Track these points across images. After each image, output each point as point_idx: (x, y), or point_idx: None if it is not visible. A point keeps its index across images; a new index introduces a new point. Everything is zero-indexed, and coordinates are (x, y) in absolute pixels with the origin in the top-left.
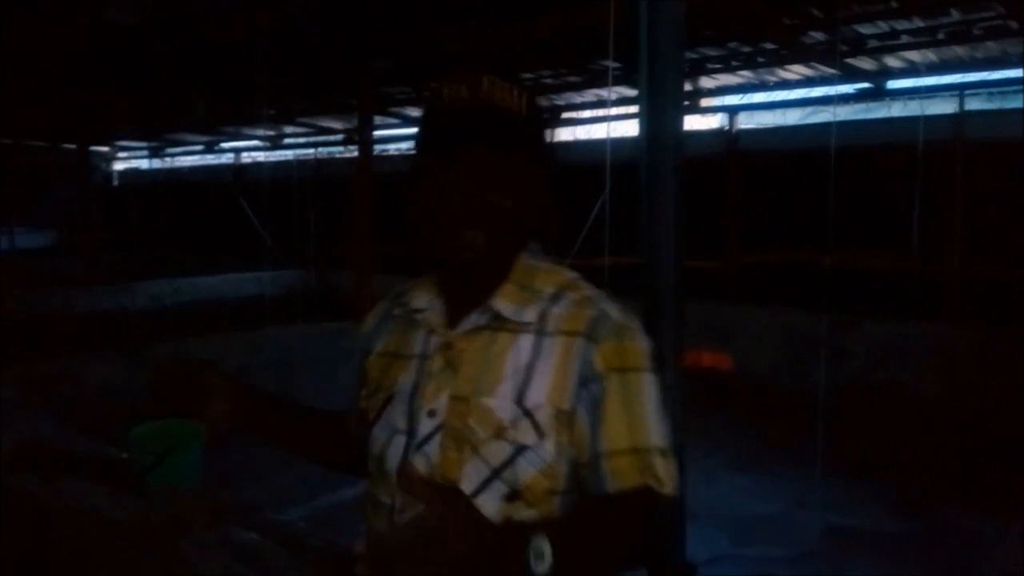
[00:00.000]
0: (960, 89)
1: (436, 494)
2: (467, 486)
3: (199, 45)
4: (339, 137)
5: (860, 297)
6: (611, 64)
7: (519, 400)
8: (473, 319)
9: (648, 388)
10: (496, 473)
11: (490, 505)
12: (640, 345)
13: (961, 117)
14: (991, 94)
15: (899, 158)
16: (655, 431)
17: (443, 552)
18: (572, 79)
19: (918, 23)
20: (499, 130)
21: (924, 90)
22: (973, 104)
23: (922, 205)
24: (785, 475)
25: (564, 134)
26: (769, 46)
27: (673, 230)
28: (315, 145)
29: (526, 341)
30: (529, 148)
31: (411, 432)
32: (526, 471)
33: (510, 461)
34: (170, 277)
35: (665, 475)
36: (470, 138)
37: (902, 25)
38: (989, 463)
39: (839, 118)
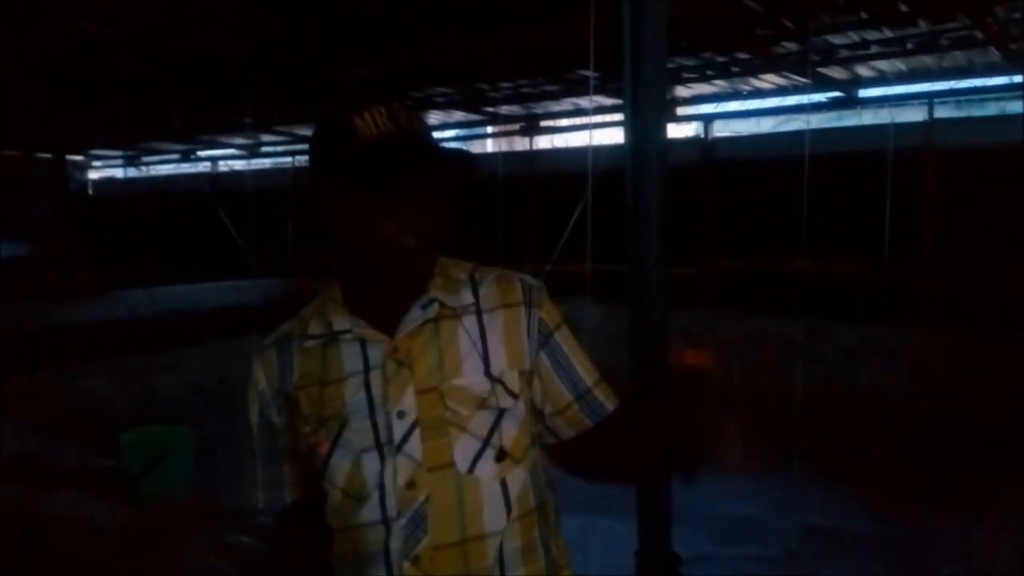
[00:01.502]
0: (929, 97)
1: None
2: (462, 464)
3: (176, 54)
4: None
5: (834, 302)
6: (591, 74)
7: (486, 372)
8: (416, 315)
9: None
10: (486, 441)
11: (486, 472)
12: (553, 301)
13: (930, 125)
14: (959, 102)
15: (870, 165)
16: None
17: None
18: (549, 88)
19: (887, 33)
20: (425, 155)
21: (894, 98)
22: (942, 112)
23: (893, 211)
24: (764, 477)
25: (542, 142)
26: (743, 56)
27: (658, 237)
28: (293, 153)
29: (469, 321)
30: (441, 164)
31: (384, 442)
32: (509, 432)
33: (495, 426)
34: (148, 286)
35: None
36: (406, 168)
37: (872, 35)
38: (961, 465)
39: (812, 126)
